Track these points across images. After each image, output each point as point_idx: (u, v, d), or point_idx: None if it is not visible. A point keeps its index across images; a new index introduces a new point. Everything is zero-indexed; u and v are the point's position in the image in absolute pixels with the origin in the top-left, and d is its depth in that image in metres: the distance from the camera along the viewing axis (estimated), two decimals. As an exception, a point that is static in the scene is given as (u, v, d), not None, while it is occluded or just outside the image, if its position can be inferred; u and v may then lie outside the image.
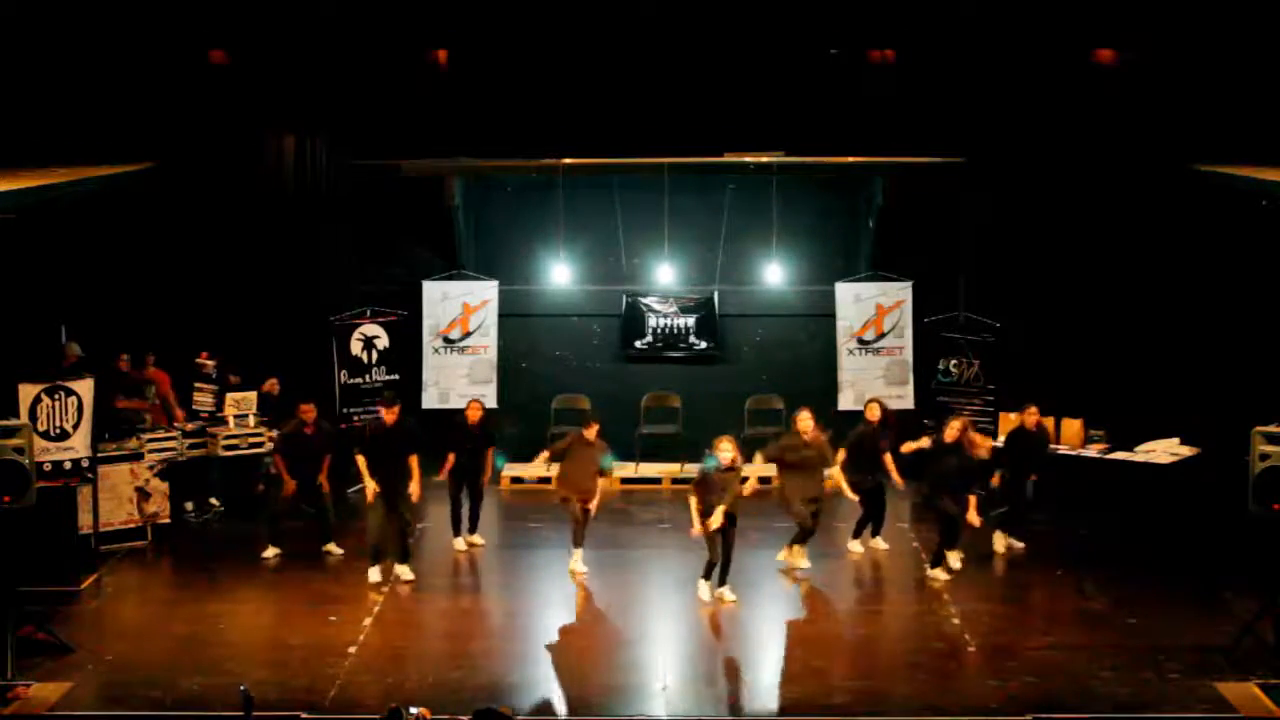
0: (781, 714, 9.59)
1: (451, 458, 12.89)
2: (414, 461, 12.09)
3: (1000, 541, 12.83)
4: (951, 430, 11.91)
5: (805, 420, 12.14)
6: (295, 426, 12.75)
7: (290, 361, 14.88)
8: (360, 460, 12.04)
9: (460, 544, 13.06)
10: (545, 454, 12.74)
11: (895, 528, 13.49)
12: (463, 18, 13.97)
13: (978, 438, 12.14)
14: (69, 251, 13.60)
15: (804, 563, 12.35)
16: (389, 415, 12.08)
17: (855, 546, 12.92)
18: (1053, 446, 13.78)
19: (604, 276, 16.52)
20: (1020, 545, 12.87)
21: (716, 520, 11.27)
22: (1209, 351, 14.02)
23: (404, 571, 12.13)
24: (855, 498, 12.54)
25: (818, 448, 12.13)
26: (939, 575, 12.03)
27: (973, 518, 11.83)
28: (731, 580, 11.57)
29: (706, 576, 11.59)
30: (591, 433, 12.32)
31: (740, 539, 11.67)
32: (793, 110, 14.36)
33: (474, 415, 12.98)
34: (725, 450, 11.38)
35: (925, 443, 12.23)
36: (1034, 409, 12.88)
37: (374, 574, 12.09)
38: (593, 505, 12.29)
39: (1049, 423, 14.03)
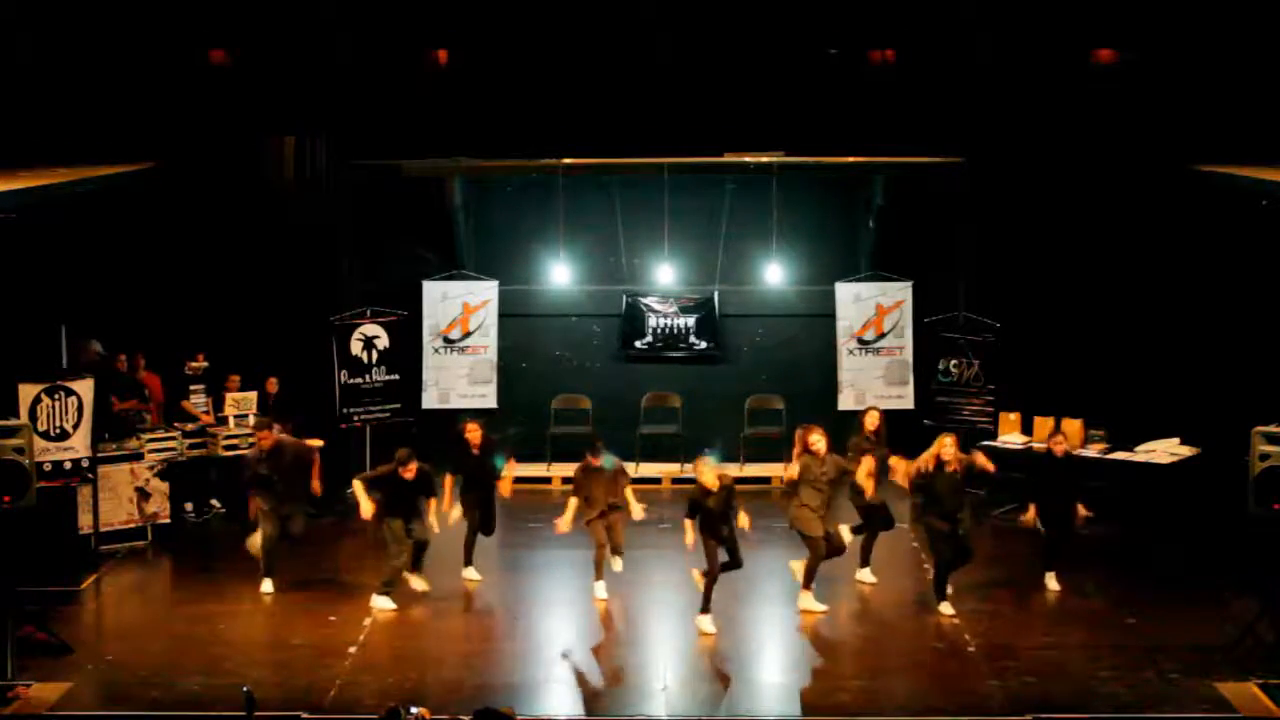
0: (782, 714, 9.59)
1: (450, 480, 12.26)
2: (431, 504, 11.83)
3: (1053, 580, 12.04)
4: (946, 449, 11.30)
5: (818, 441, 11.42)
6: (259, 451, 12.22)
7: (290, 361, 14.88)
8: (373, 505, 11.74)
9: (472, 574, 12.40)
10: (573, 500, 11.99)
11: (895, 528, 13.47)
12: (463, 18, 13.96)
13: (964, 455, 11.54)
14: (69, 251, 13.60)
15: (818, 605, 11.54)
16: (408, 473, 11.58)
17: (866, 575, 12.32)
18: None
19: (604, 276, 16.51)
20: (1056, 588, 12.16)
21: (688, 536, 11.02)
22: (1209, 351, 14.01)
23: (417, 581, 11.88)
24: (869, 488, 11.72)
25: (833, 464, 11.47)
26: (945, 609, 11.38)
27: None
28: (730, 579, 11.41)
29: (705, 609, 11.06)
30: (597, 461, 11.85)
31: (740, 539, 11.62)
32: (793, 110, 14.34)
33: (475, 437, 12.34)
34: (705, 473, 10.95)
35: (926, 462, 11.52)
36: (1062, 436, 12.19)
37: (408, 589, 11.81)
38: (632, 511, 11.90)
39: (1049, 423, 14.05)
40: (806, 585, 11.53)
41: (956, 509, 11.35)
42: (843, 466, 11.56)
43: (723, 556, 11.09)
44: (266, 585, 11.99)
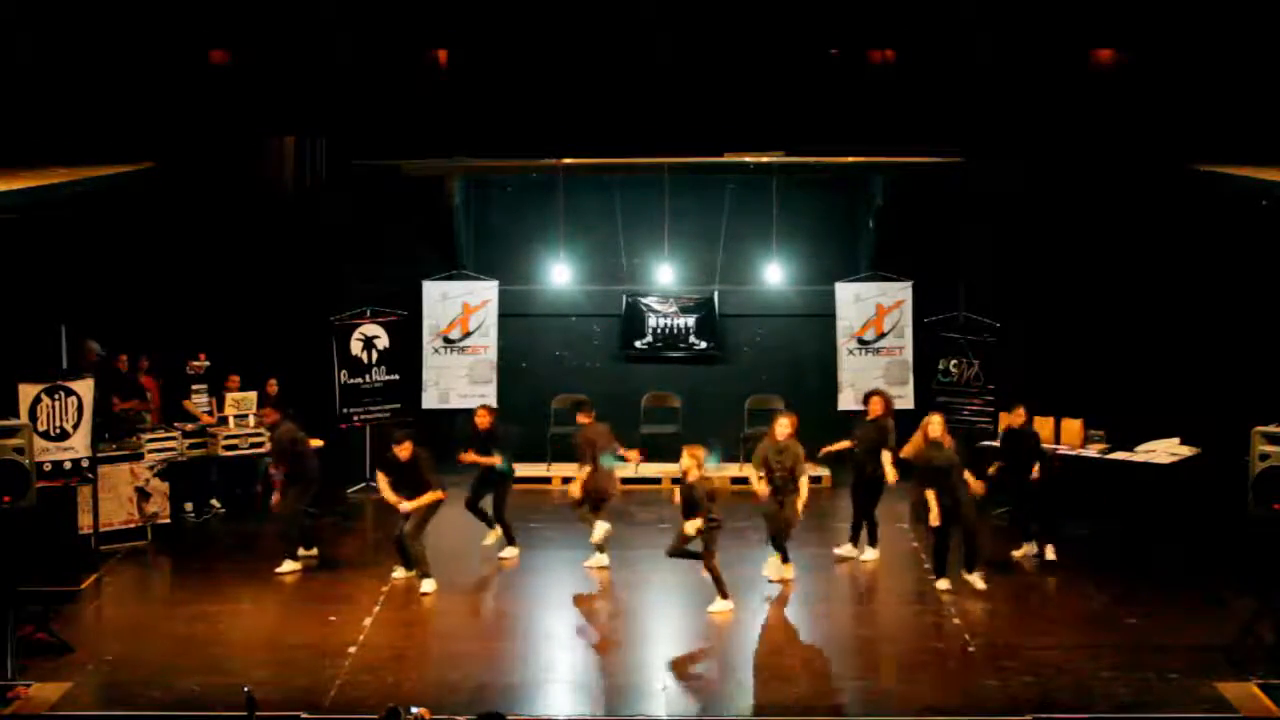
0: (782, 714, 9.59)
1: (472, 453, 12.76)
2: (425, 496, 11.82)
3: (1018, 551, 12.78)
4: (933, 426, 11.72)
5: (783, 426, 11.93)
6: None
7: (290, 361, 14.88)
8: (381, 479, 12.04)
9: (512, 551, 12.95)
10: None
11: (895, 528, 13.49)
12: (463, 18, 13.96)
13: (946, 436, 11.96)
14: (69, 251, 13.60)
15: (776, 574, 12.12)
16: (402, 452, 11.78)
17: (869, 555, 12.76)
18: (1052, 446, 13.75)
19: (604, 276, 16.52)
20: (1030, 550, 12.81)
21: (690, 529, 11.23)
22: (1209, 351, 14.01)
23: (426, 584, 11.97)
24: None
25: (791, 452, 11.83)
26: (941, 585, 11.84)
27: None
28: (730, 580, 11.46)
29: (723, 596, 11.37)
30: (586, 419, 12.45)
31: (739, 539, 11.67)
32: (793, 110, 14.33)
33: (483, 421, 12.72)
34: (683, 459, 11.33)
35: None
36: (1021, 409, 12.89)
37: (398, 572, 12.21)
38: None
39: (1049, 422, 14.05)
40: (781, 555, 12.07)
41: (949, 485, 11.62)
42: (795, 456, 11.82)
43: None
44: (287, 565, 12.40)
